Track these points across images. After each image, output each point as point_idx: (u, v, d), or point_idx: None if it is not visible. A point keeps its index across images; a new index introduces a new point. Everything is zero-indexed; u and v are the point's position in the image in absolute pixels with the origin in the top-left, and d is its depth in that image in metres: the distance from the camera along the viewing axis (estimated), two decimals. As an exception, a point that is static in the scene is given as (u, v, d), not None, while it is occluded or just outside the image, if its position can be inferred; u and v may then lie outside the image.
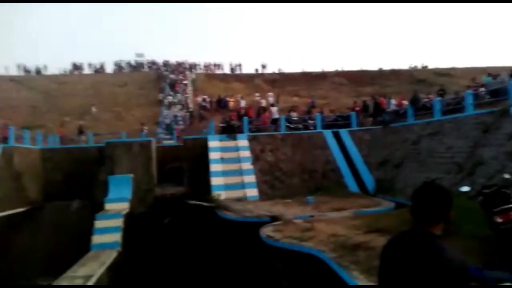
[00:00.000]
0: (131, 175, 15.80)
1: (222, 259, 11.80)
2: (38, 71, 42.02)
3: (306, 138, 16.40)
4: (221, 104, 28.56)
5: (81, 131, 22.44)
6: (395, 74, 39.50)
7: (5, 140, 16.52)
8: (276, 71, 43.05)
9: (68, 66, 43.97)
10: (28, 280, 13.04)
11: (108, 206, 14.10)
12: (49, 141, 20.15)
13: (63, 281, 8.59)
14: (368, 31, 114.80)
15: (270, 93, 29.41)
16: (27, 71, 42.15)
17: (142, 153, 16.34)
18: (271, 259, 7.78)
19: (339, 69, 42.97)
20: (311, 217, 9.44)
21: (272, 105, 20.76)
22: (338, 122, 18.51)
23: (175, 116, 27.00)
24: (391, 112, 18.19)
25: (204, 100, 29.13)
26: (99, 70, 43.67)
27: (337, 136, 16.74)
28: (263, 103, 24.83)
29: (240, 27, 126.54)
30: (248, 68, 45.00)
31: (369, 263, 5.61)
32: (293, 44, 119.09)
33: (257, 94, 29.72)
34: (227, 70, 44.24)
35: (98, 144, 18.63)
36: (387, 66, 42.36)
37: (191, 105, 30.22)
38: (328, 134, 16.68)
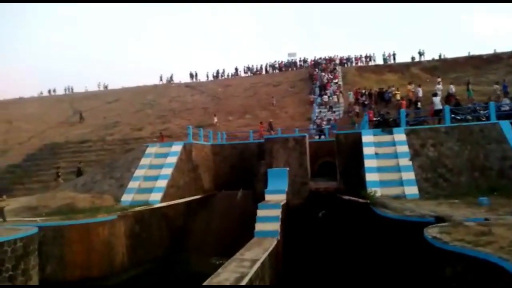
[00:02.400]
0: (287, 169, 16.69)
1: (378, 256, 11.46)
2: (216, 76, 48.36)
3: (477, 131, 14.39)
4: (383, 97, 26.95)
5: (270, 127, 24.87)
6: None
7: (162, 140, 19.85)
8: (436, 58, 39.00)
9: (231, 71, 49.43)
10: (203, 258, 15.08)
11: (268, 196, 15.22)
12: (217, 137, 23.00)
13: (233, 262, 9.66)
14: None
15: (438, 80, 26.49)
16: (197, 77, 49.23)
17: (296, 148, 17.09)
18: (437, 262, 7.18)
19: (518, 49, 36.20)
20: (486, 220, 8.30)
21: (435, 94, 18.84)
22: (519, 112, 15.71)
23: (329, 120, 27.15)
24: None
25: (362, 94, 28.27)
26: (256, 72, 47.32)
27: (518, 128, 14.20)
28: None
29: (391, 14, 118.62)
30: (402, 57, 41.85)
31: None
32: (455, 25, 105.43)
33: (439, 79, 26.91)
34: (379, 61, 42.26)
35: (258, 140, 20.39)
36: None
37: (342, 103, 29.86)
38: (506, 125, 14.26)
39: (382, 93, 27.40)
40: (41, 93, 55.26)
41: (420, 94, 23.73)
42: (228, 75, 48.53)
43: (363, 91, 28.89)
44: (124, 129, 32.98)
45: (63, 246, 12.26)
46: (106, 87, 53.90)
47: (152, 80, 50.58)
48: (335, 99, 30.39)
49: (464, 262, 6.29)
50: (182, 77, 49.51)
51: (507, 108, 16.67)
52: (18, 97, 52.54)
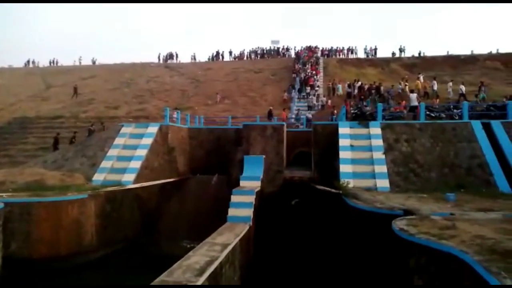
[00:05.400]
0: (263, 156, 16.74)
1: (348, 245, 11.74)
2: (213, 58, 46.81)
3: (450, 129, 14.85)
4: (379, 91, 25.48)
5: (269, 115, 23.82)
6: None
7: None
8: (416, 55, 39.69)
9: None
10: (174, 241, 15.05)
11: (243, 183, 15.22)
12: (195, 121, 22.75)
13: (204, 246, 9.65)
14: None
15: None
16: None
17: (274, 136, 17.12)
18: (402, 253, 7.43)
19: (493, 51, 37.39)
20: (451, 215, 8.62)
21: (412, 91, 19.26)
22: (490, 112, 16.26)
23: (308, 118, 26.47)
24: None
25: (350, 86, 27.59)
26: (238, 57, 46.71)
27: (487, 128, 14.72)
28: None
29: (375, 8, 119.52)
30: (384, 53, 42.29)
31: (526, 274, 4.89)
32: (435, 24, 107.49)
33: (420, 75, 27.23)
34: (360, 55, 42.63)
35: (235, 126, 20.29)
36: None
37: (322, 99, 29.08)
38: (476, 125, 14.79)
39: (378, 87, 26.10)
40: (27, 63, 52.76)
41: (435, 87, 24.24)
42: (209, 59, 47.72)
43: (356, 84, 28.01)
44: (99, 107, 32.08)
45: (30, 223, 11.94)
46: (94, 62, 51.71)
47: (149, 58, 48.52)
48: (314, 101, 28.81)
49: (428, 254, 6.52)
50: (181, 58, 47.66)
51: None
52: (-13, 67, 50.16)
